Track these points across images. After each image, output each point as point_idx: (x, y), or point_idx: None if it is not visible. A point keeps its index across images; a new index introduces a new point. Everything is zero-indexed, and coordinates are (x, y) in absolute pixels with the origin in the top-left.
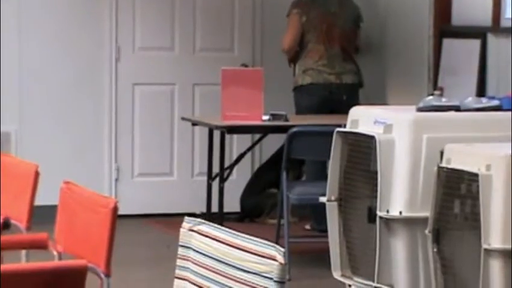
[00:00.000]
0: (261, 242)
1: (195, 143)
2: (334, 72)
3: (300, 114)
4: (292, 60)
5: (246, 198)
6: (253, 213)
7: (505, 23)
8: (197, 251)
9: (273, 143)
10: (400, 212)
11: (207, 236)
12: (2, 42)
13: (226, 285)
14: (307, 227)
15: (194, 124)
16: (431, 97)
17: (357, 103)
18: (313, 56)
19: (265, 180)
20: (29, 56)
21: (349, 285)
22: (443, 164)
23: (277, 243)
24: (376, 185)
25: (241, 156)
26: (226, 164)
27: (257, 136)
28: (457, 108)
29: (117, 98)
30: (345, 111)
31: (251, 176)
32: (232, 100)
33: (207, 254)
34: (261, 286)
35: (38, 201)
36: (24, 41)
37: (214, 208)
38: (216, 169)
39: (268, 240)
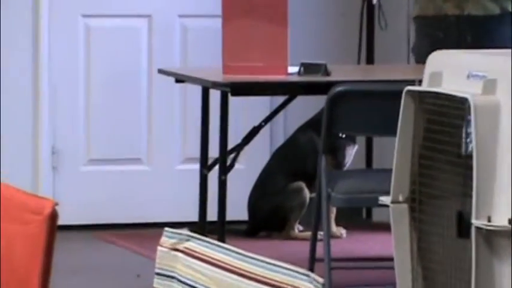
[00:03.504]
0: (287, 269)
1: (180, 109)
2: None
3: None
4: None
5: (259, 199)
6: (271, 222)
7: None
8: (185, 283)
9: (305, 110)
10: (510, 221)
11: (200, 259)
12: None
13: None
14: None
15: (179, 80)
16: None
17: (495, 46)
18: None
19: (287, 169)
20: None
21: None
22: None
23: (311, 270)
24: (470, 178)
25: (254, 132)
26: (231, 144)
27: (279, 99)
28: None
29: (51, 36)
30: None
31: (265, 165)
32: (240, 42)
33: (200, 287)
34: None
35: None
36: None
37: (212, 215)
38: (214, 153)
39: (298, 266)
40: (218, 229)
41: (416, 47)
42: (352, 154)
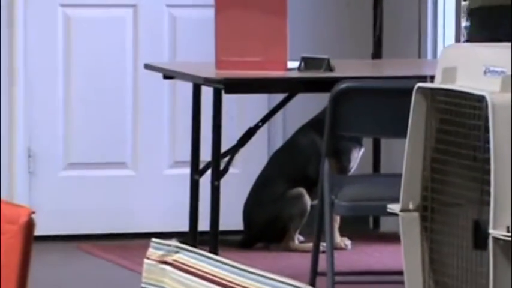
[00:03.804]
0: (285, 283)
1: (169, 108)
2: None
3: None
4: None
5: (256, 207)
6: (268, 232)
7: None
8: None
9: (306, 109)
10: None
11: (191, 273)
12: None
13: None
14: None
15: (168, 77)
16: None
17: None
18: None
19: (286, 174)
20: None
21: None
22: None
23: (313, 284)
24: (487, 183)
25: (250, 134)
26: (224, 146)
27: (278, 97)
28: None
29: (26, 28)
30: None
31: (263, 170)
32: (235, 35)
33: None
34: None
35: None
36: None
37: (204, 224)
38: (206, 156)
39: (298, 280)
40: (210, 240)
41: (478, 40)
42: (357, 157)
